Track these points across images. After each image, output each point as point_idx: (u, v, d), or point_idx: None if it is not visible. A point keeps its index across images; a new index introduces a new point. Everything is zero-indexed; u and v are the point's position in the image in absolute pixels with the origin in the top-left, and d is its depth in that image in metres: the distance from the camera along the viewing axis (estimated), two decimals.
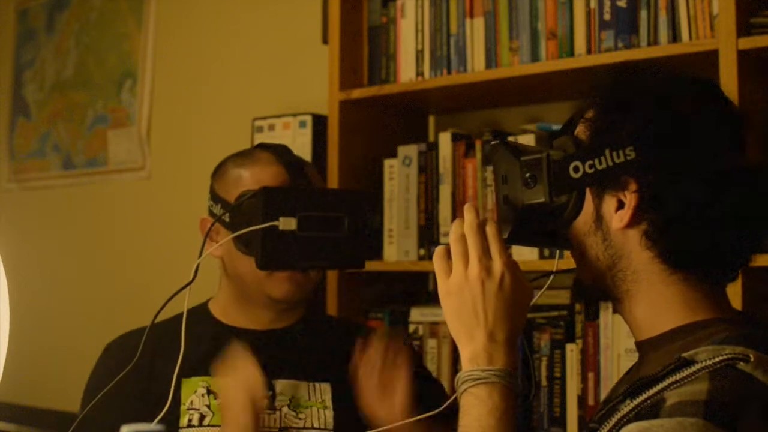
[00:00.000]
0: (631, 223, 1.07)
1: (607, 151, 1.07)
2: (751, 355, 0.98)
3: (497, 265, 1.11)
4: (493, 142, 1.21)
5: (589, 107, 1.13)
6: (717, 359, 0.99)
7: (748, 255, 1.12)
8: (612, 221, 1.09)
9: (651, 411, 0.97)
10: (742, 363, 0.98)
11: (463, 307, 1.10)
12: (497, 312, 1.09)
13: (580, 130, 1.13)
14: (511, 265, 1.12)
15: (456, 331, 1.11)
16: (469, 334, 1.10)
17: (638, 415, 1.00)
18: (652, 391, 1.01)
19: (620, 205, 1.08)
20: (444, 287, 1.12)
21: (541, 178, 1.13)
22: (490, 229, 1.13)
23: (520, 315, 1.12)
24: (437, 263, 1.13)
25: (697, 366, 0.99)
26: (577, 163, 1.09)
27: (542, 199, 1.13)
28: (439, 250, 1.14)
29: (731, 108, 1.11)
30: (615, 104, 1.10)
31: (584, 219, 1.12)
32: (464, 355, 1.10)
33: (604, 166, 1.07)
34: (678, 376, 0.99)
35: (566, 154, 1.11)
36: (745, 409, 0.94)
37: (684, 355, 1.01)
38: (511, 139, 2.01)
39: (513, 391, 1.08)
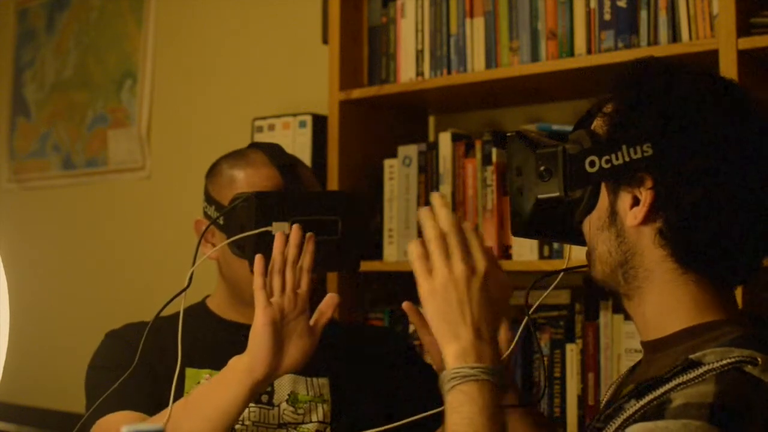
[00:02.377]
0: (646, 221, 1.07)
1: (624, 147, 1.06)
2: (759, 359, 0.98)
3: (481, 263, 1.11)
4: (509, 133, 1.20)
5: (607, 101, 1.12)
6: (724, 362, 0.98)
7: (761, 258, 1.11)
8: (626, 218, 1.08)
9: (657, 411, 0.97)
10: (750, 366, 0.97)
11: (448, 306, 1.09)
12: (482, 310, 1.10)
13: (598, 125, 1.12)
14: (492, 262, 1.13)
15: (440, 330, 1.10)
16: (455, 332, 1.09)
17: (644, 415, 0.99)
18: (658, 392, 1.00)
19: (635, 202, 1.08)
20: (427, 287, 1.11)
21: (556, 171, 1.12)
22: (468, 226, 1.14)
23: (501, 312, 1.15)
24: (418, 263, 1.12)
25: (705, 368, 0.98)
26: (594, 157, 1.09)
27: (556, 193, 1.12)
28: (417, 251, 1.13)
29: (754, 110, 1.10)
30: (634, 100, 1.09)
31: (598, 214, 1.12)
32: (449, 352, 1.08)
33: (620, 161, 1.07)
34: (685, 378, 0.99)
35: (582, 148, 1.11)
36: (752, 413, 0.94)
37: (691, 356, 1.01)
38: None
39: (500, 389, 1.08)
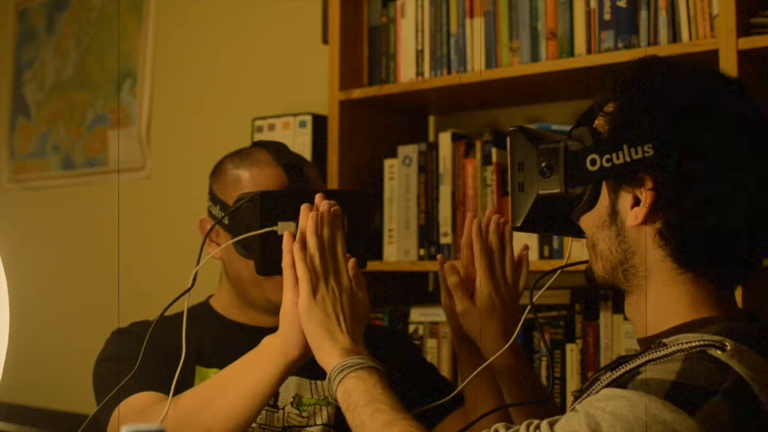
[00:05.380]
0: (646, 221, 1.08)
1: (625, 147, 1.07)
2: (728, 344, 0.99)
3: (346, 281, 1.28)
4: (511, 128, 1.22)
5: (609, 100, 1.13)
6: (693, 344, 1.00)
7: (760, 259, 1.12)
8: (627, 217, 1.09)
9: (626, 380, 1.00)
10: (717, 351, 0.99)
11: (327, 316, 1.24)
12: (352, 319, 1.26)
13: (600, 123, 1.13)
14: (358, 282, 1.30)
15: (319, 338, 1.24)
16: (333, 338, 1.23)
17: (614, 382, 1.03)
18: (630, 366, 1.03)
19: (636, 202, 1.08)
20: (307, 300, 1.24)
21: (557, 168, 1.13)
22: (341, 248, 1.29)
23: (364, 322, 1.30)
24: (305, 285, 1.25)
25: (674, 348, 1.01)
26: (595, 156, 1.09)
27: (557, 190, 1.14)
28: (306, 273, 1.25)
29: (754, 109, 1.10)
30: (636, 100, 1.09)
31: (599, 212, 1.13)
32: (332, 354, 1.21)
33: (621, 161, 1.07)
34: (655, 355, 1.02)
35: (584, 146, 1.11)
36: (712, 396, 0.95)
37: (665, 340, 1.03)
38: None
39: (384, 375, 1.20)
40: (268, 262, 1.43)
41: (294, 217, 1.41)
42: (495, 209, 1.50)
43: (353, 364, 1.19)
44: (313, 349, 1.25)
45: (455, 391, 1.43)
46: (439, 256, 1.49)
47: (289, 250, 1.29)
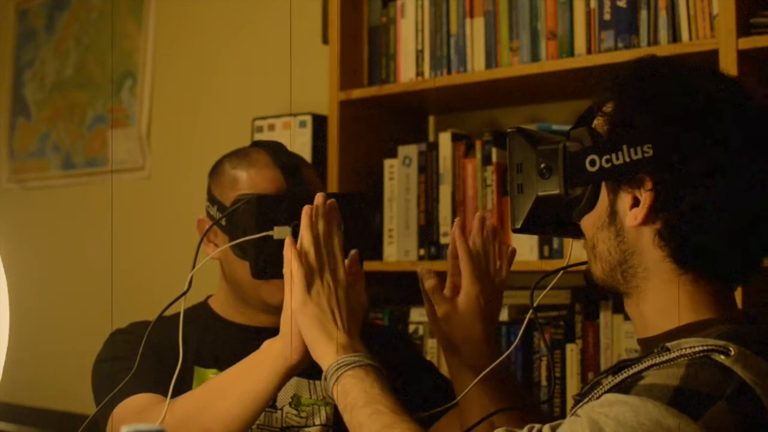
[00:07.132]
0: (645, 221, 1.07)
1: (624, 147, 1.06)
2: (732, 349, 0.99)
3: (342, 275, 1.26)
4: (509, 129, 1.21)
5: (608, 100, 1.12)
6: (697, 348, 1.00)
7: (760, 259, 1.11)
8: (626, 218, 1.08)
9: (627, 386, 0.99)
10: (721, 356, 0.98)
11: (323, 312, 1.23)
12: (348, 314, 1.25)
13: (598, 123, 1.12)
14: (358, 274, 1.30)
15: (314, 334, 1.22)
16: (329, 334, 1.22)
17: (617, 387, 1.02)
18: (632, 371, 1.03)
19: (635, 203, 1.08)
20: (301, 296, 1.23)
21: (556, 169, 1.13)
22: (335, 241, 1.27)
23: (361, 318, 1.28)
24: (299, 281, 1.24)
25: (678, 353, 1.00)
26: (594, 156, 1.09)
27: (557, 191, 1.13)
28: (300, 269, 1.24)
29: (754, 108, 1.09)
30: (635, 100, 1.09)
31: (598, 213, 1.12)
32: (328, 351, 1.20)
33: (620, 161, 1.06)
34: (658, 360, 1.01)
35: (583, 147, 1.11)
36: (716, 401, 0.94)
37: (668, 344, 1.03)
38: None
39: (383, 373, 1.19)
40: (264, 265, 1.42)
41: (290, 221, 1.40)
42: (482, 214, 1.48)
43: (350, 362, 1.18)
44: (308, 346, 1.24)
45: (457, 399, 1.43)
46: (419, 267, 1.46)
47: (290, 256, 1.28)
